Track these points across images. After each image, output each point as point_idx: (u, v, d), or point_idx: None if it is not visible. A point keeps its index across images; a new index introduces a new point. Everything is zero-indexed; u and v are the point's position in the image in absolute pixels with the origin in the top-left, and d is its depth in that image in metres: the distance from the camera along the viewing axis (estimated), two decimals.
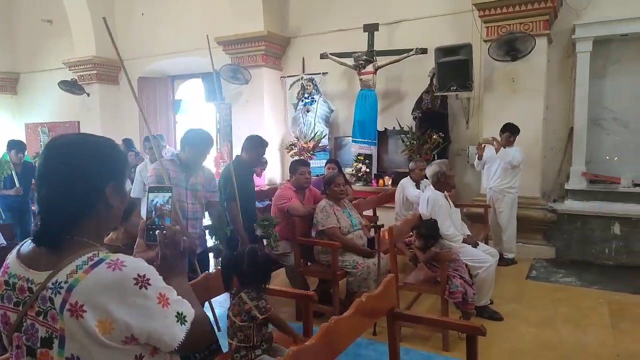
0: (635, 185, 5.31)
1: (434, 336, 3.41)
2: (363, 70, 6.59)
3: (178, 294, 1.12)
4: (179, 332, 1.07)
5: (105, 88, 9.25)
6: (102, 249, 1.08)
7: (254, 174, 5.00)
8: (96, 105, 9.17)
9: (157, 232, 1.27)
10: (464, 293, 3.31)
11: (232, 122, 7.86)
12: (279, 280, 4.25)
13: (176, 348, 1.07)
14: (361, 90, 6.66)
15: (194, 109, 9.40)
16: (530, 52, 5.24)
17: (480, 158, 5.33)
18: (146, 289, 1.02)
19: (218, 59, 7.59)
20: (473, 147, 6.24)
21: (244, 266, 2.12)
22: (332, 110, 7.32)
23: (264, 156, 4.68)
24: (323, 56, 6.88)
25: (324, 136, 7.16)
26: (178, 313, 1.07)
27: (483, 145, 5.28)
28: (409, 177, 5.15)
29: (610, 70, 5.62)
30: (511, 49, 5.34)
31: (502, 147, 5.08)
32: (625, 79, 5.55)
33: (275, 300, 3.88)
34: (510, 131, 5.09)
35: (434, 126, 6.17)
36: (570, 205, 5.47)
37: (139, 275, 1.02)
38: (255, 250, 2.21)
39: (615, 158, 5.70)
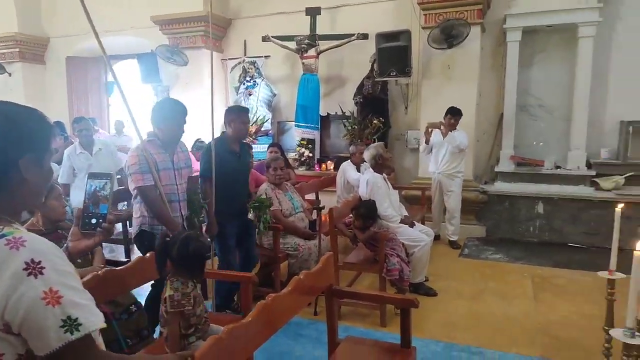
0: (557, 167, 5.72)
1: (373, 313, 3.53)
2: (305, 54, 6.59)
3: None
4: (55, 340, 0.91)
5: (29, 67, 8.59)
6: (13, 224, 1.01)
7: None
8: (19, 85, 8.50)
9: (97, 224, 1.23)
10: (401, 270, 3.44)
11: None
12: None
13: (45, 356, 0.92)
14: (304, 74, 6.65)
15: (129, 91, 8.94)
16: (465, 38, 5.46)
17: (427, 142, 5.42)
18: (35, 277, 0.90)
19: (155, 40, 7.29)
20: (412, 132, 6.46)
21: (174, 253, 2.04)
22: (274, 94, 7.26)
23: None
24: (265, 39, 6.79)
25: (267, 120, 7.09)
26: (68, 318, 0.92)
27: (430, 129, 5.38)
28: (349, 160, 5.23)
29: (536, 59, 5.97)
30: (448, 36, 5.53)
31: (449, 131, 5.25)
32: (550, 68, 5.92)
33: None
34: (453, 114, 5.24)
35: (375, 111, 6.30)
36: (500, 186, 5.81)
37: (32, 260, 0.91)
38: (190, 238, 2.10)
39: (541, 143, 6.09)
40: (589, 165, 5.60)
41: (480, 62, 5.86)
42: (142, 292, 3.73)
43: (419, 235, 3.97)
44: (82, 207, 1.27)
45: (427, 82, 6.01)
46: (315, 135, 6.75)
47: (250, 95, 7.13)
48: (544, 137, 6.06)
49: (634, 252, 2.05)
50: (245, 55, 7.37)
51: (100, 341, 1.03)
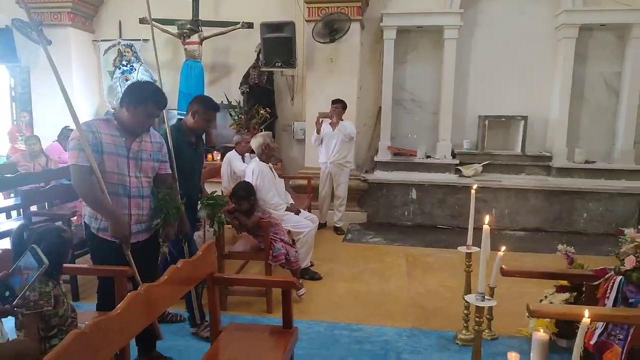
0: (428, 157, 6.29)
1: (259, 301, 3.54)
2: (188, 40, 6.34)
3: None
4: None
5: None
6: None
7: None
8: None
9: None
10: (286, 253, 3.51)
11: (31, 89, 6.77)
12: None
13: None
14: (186, 60, 6.40)
15: None
16: (346, 33, 5.70)
17: (318, 132, 5.52)
18: None
19: (10, 13, 6.42)
20: (298, 123, 6.58)
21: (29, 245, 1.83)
22: (154, 81, 6.84)
23: None
24: (143, 21, 6.36)
25: None
26: None
27: (321, 120, 5.49)
28: (234, 150, 5.17)
29: (409, 57, 6.46)
30: (331, 30, 5.73)
31: (339, 121, 5.42)
32: (420, 66, 6.45)
33: (87, 280, 3.59)
34: (334, 103, 5.44)
35: (261, 101, 6.30)
36: (379, 175, 6.21)
37: None
38: (47, 231, 1.89)
39: (415, 135, 6.62)
40: (453, 155, 6.24)
41: (360, 57, 6.18)
42: None
43: (304, 222, 4.08)
44: (9, 271, 1.28)
45: (311, 74, 6.16)
46: None
47: (127, 80, 6.63)
48: (417, 129, 6.60)
49: (483, 226, 2.36)
50: (120, 37, 6.84)
51: None
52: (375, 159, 6.34)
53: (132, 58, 6.74)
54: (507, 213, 5.91)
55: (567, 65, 5.88)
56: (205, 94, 6.47)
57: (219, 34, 6.33)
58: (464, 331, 3.06)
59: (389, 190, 6.12)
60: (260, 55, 6.04)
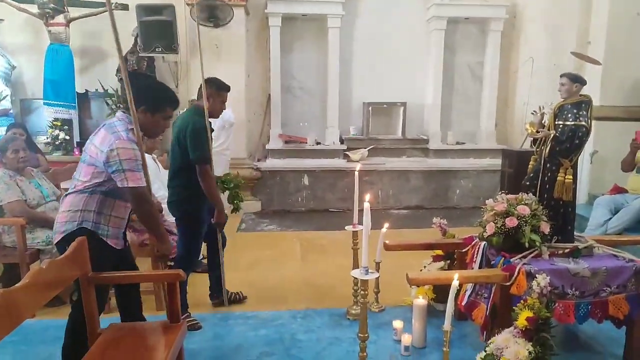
0: (318, 143, 6.45)
1: (148, 299, 3.34)
2: (52, 21, 5.70)
3: None
4: None
5: None
6: None
7: None
8: None
9: None
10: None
11: None
12: None
13: None
14: (51, 44, 5.75)
15: None
16: (229, 21, 5.56)
17: None
18: None
19: None
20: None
21: None
22: (13, 67, 6.07)
23: None
24: None
25: (4, 97, 5.88)
26: None
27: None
28: None
29: (296, 45, 6.52)
30: (212, 15, 5.54)
31: None
32: (307, 53, 6.55)
33: None
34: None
35: None
36: (271, 163, 6.23)
37: None
38: None
39: (306, 124, 6.72)
40: (341, 141, 6.48)
41: (246, 44, 6.07)
42: None
43: None
44: None
45: (196, 60, 5.88)
46: (72, 114, 5.94)
47: None
48: (306, 116, 6.72)
49: (364, 204, 2.48)
50: None
51: None
52: (267, 147, 6.34)
53: None
54: (391, 193, 6.32)
55: (438, 54, 6.40)
56: (76, 80, 5.94)
57: (89, 15, 5.78)
58: (354, 306, 3.21)
59: (282, 178, 6.17)
60: (138, 40, 5.66)
